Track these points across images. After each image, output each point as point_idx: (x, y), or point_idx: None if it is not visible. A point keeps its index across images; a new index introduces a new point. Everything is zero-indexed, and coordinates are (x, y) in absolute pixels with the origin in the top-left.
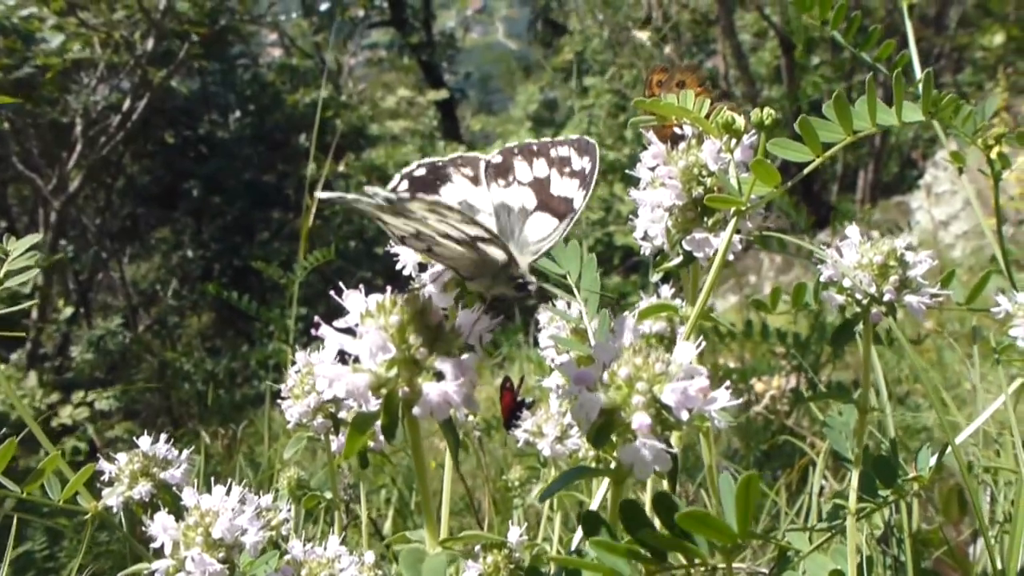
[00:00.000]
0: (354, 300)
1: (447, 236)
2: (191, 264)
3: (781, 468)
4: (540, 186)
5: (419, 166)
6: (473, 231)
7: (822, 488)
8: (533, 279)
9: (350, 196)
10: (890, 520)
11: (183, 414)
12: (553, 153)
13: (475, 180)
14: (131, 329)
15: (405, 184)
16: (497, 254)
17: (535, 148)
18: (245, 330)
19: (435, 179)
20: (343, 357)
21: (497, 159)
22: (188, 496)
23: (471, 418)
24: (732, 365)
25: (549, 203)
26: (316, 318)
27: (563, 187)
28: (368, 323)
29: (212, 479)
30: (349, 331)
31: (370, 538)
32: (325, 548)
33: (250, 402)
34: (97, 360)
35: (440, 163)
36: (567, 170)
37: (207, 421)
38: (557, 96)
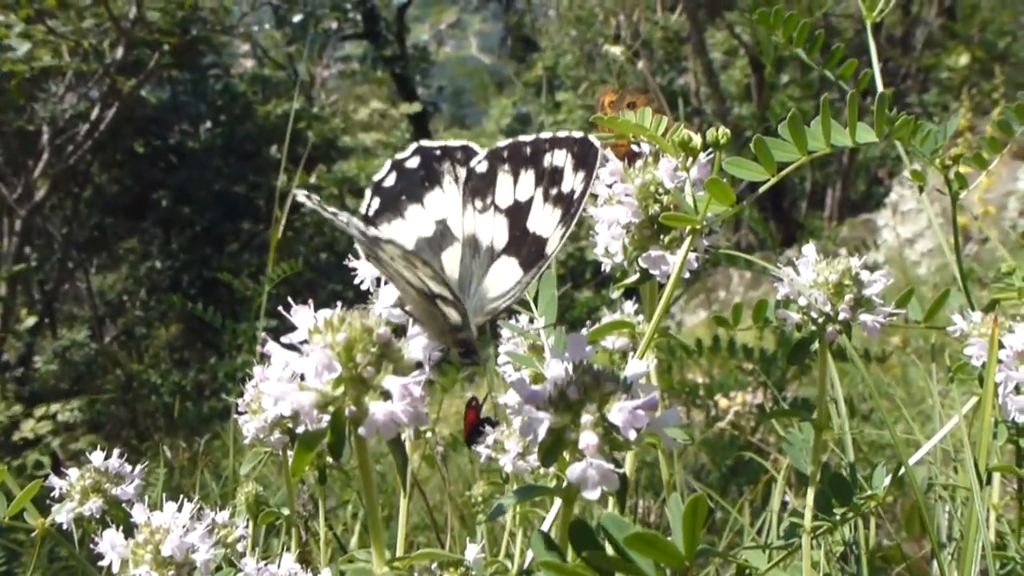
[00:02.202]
0: (302, 316)
1: (410, 284)
2: (159, 275)
3: (747, 484)
4: (518, 215)
5: (415, 152)
6: (437, 289)
7: (785, 505)
8: (478, 351)
9: (328, 211)
10: (852, 537)
11: (149, 427)
12: (546, 161)
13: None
14: (97, 340)
15: (393, 177)
16: (453, 316)
17: (528, 152)
18: (214, 342)
19: (425, 178)
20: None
21: (482, 167)
22: (138, 512)
23: (430, 433)
24: (700, 381)
25: (520, 244)
26: (263, 334)
27: (542, 220)
28: (315, 340)
29: (170, 494)
30: (297, 347)
31: (336, 553)
32: (279, 565)
33: (218, 415)
34: (61, 371)
35: (438, 152)
36: (554, 192)
37: (174, 434)
38: (530, 111)
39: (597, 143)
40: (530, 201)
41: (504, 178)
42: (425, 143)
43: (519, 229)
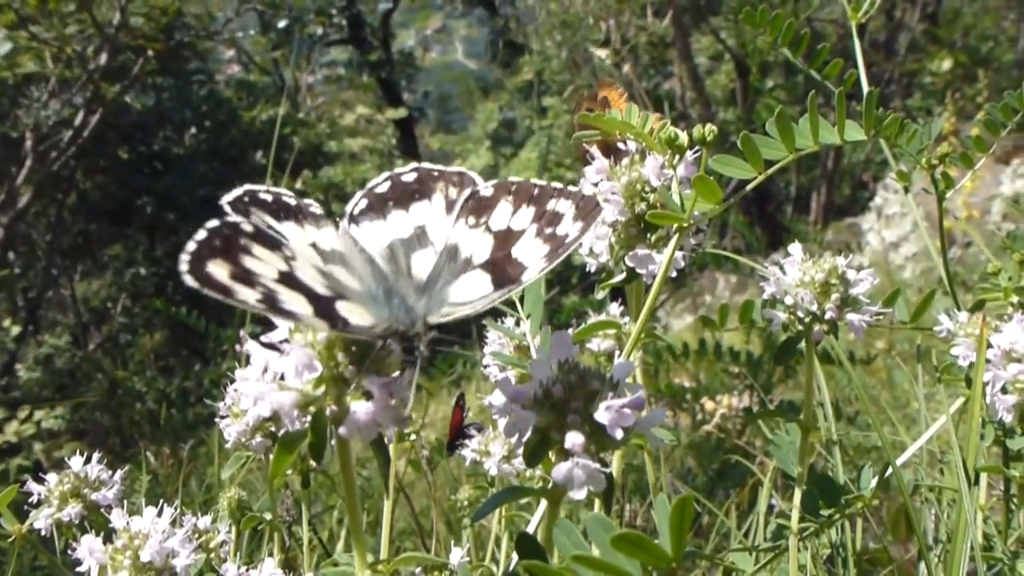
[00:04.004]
0: None
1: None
2: (144, 281)
3: (734, 487)
4: (505, 241)
5: (412, 170)
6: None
7: (771, 508)
8: (421, 349)
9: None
10: (839, 540)
11: (134, 434)
12: (550, 205)
13: (451, 207)
14: (81, 347)
15: (387, 186)
16: (359, 321)
17: (535, 193)
18: (200, 349)
19: (416, 191)
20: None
21: (487, 192)
22: (117, 517)
23: (414, 436)
24: (687, 385)
25: (499, 265)
26: (242, 332)
27: (528, 249)
28: (296, 339)
29: (154, 501)
30: (277, 347)
31: (321, 559)
32: (260, 571)
33: (203, 421)
34: (44, 378)
35: (436, 173)
36: (549, 231)
37: (159, 441)
38: (516, 116)
39: (603, 204)
40: (523, 232)
41: (504, 206)
42: (425, 165)
43: (503, 251)
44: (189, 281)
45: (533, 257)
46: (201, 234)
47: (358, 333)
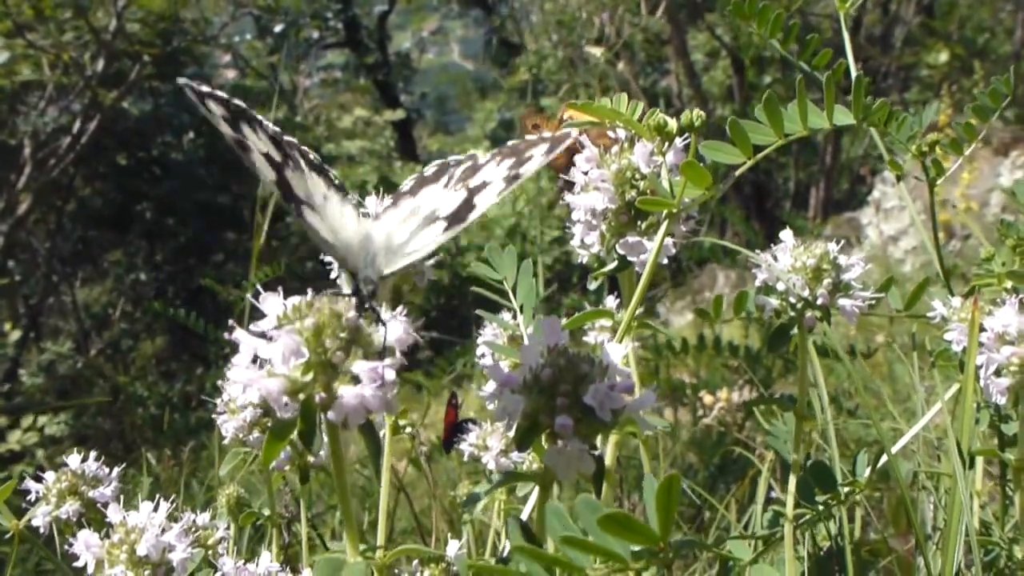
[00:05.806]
0: (271, 303)
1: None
2: (144, 287)
3: (734, 481)
4: (476, 191)
5: (436, 164)
6: (277, 155)
7: (771, 500)
8: (373, 285)
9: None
10: (839, 530)
11: (136, 438)
12: (527, 153)
13: (450, 181)
14: (83, 353)
15: (411, 183)
16: (313, 220)
17: (520, 147)
18: (201, 353)
19: (430, 179)
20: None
21: (483, 160)
22: (113, 512)
23: (409, 429)
24: (687, 380)
25: (458, 212)
26: (231, 321)
27: (488, 193)
28: (284, 326)
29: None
30: (266, 335)
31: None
32: (257, 565)
33: (205, 425)
34: (47, 384)
35: (454, 161)
36: (513, 172)
37: (161, 445)
38: (513, 116)
39: (582, 139)
40: (493, 180)
41: (491, 165)
42: (452, 157)
43: (468, 200)
44: (188, 90)
45: (489, 196)
46: (206, 87)
47: (313, 235)
